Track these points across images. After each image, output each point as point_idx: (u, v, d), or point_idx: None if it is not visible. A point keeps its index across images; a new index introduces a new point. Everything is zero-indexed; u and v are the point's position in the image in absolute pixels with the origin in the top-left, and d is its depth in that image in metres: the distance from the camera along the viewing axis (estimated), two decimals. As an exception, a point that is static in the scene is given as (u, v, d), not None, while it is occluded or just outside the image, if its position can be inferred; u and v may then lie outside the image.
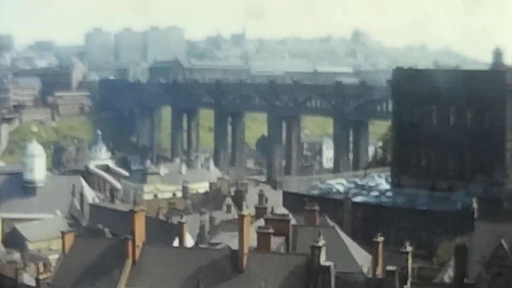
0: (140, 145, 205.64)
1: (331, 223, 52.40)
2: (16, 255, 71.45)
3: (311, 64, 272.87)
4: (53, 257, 64.05)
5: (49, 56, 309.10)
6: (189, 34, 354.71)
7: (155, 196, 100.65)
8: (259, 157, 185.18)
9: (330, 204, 66.65)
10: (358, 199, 72.39)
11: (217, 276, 39.66)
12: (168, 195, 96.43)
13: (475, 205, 54.92)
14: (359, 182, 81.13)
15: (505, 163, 70.35)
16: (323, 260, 38.43)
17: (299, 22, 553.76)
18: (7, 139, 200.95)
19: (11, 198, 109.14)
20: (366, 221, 65.80)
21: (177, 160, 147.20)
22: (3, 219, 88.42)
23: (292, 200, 69.45)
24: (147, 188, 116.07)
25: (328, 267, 38.00)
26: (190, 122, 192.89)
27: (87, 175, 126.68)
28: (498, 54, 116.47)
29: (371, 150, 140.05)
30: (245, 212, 40.62)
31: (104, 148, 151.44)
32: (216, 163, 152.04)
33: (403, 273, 39.24)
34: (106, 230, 72.92)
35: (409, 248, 40.19)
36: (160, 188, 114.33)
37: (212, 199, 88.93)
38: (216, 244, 46.40)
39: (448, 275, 44.93)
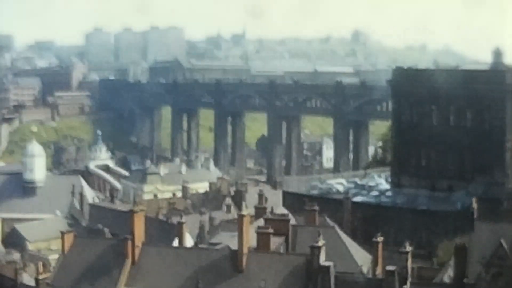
0: (140, 145, 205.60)
1: (330, 223, 52.32)
2: (16, 255, 71.52)
3: (311, 64, 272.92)
4: (53, 257, 64.03)
5: (49, 56, 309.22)
6: (189, 34, 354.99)
7: (155, 196, 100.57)
8: (259, 157, 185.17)
9: (330, 204, 66.55)
10: (358, 199, 72.31)
11: (216, 276, 39.62)
12: (168, 195, 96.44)
13: (474, 205, 54.85)
14: (359, 182, 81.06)
15: (505, 163, 70.30)
16: (322, 260, 38.39)
17: (299, 22, 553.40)
18: (7, 139, 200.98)
19: (11, 198, 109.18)
20: (366, 221, 65.72)
21: (177, 160, 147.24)
22: (3, 219, 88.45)
23: (292, 200, 69.40)
24: (147, 188, 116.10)
25: (327, 267, 37.96)
26: (190, 122, 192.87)
27: (87, 175, 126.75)
28: (498, 54, 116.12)
29: (371, 150, 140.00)
30: (244, 212, 40.57)
31: (104, 148, 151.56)
32: (216, 163, 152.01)
33: (403, 273, 39.18)
34: (106, 230, 72.91)
35: (408, 248, 40.14)
36: (160, 188, 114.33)
37: (212, 199, 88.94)
38: (216, 244, 46.41)
39: (448, 275, 44.90)
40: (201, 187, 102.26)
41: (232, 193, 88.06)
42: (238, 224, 40.50)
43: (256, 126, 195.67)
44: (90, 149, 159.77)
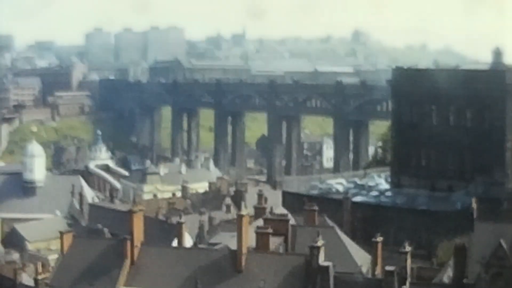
0: (140, 145, 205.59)
1: (330, 223, 52.23)
2: (15, 255, 71.48)
3: (311, 64, 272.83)
4: (52, 257, 63.87)
5: (49, 56, 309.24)
6: (189, 34, 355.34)
7: (155, 196, 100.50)
8: (259, 157, 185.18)
9: (330, 204, 66.43)
10: (358, 199, 72.20)
11: (215, 276, 39.55)
12: (168, 195, 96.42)
13: (474, 205, 54.79)
14: (358, 182, 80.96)
15: (505, 163, 70.22)
16: (321, 260, 38.31)
17: (299, 22, 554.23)
18: (7, 139, 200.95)
19: (11, 198, 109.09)
20: (365, 221, 65.64)
21: (177, 160, 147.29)
22: (3, 219, 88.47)
23: (292, 200, 69.33)
24: (146, 188, 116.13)
25: (326, 267, 37.88)
26: (190, 122, 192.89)
27: (87, 175, 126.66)
28: (498, 54, 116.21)
29: (371, 150, 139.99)
30: (243, 212, 40.48)
31: (104, 148, 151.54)
32: (216, 163, 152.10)
33: (402, 273, 39.08)
34: (106, 230, 72.83)
35: (408, 248, 40.04)
36: (159, 188, 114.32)
37: (211, 199, 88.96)
38: (215, 244, 46.34)
39: (447, 275, 44.82)
40: (201, 187, 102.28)
41: (232, 193, 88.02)
42: (237, 224, 40.41)
43: (256, 126, 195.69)
44: (90, 149, 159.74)
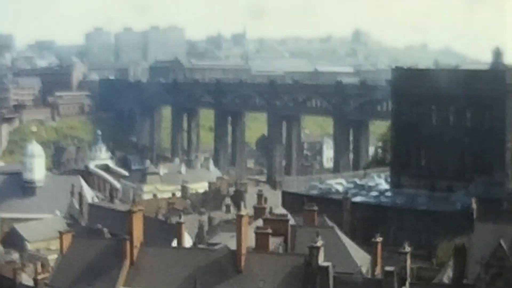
0: (140, 145, 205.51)
1: (330, 223, 52.20)
2: (15, 255, 71.36)
3: (311, 63, 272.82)
4: (52, 257, 63.72)
5: (49, 55, 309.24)
6: (189, 34, 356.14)
7: (155, 196, 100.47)
8: (259, 157, 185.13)
9: (329, 204, 66.41)
10: (358, 199, 72.12)
11: (215, 276, 39.54)
12: (168, 195, 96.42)
13: (474, 206, 54.75)
14: (358, 182, 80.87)
15: (505, 163, 70.16)
16: (321, 261, 38.29)
17: (299, 22, 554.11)
18: (7, 139, 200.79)
19: (11, 198, 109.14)
20: (365, 221, 65.62)
21: (177, 160, 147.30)
22: (2, 219, 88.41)
23: (291, 200, 69.28)
24: (146, 188, 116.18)
25: (326, 268, 37.85)
26: (190, 122, 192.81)
27: (87, 175, 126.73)
28: (498, 54, 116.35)
29: (371, 150, 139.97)
30: (243, 212, 40.44)
31: (104, 148, 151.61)
32: (216, 163, 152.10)
33: (402, 273, 39.04)
34: (105, 230, 72.72)
35: (408, 249, 39.99)
36: (159, 188, 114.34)
37: (211, 199, 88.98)
38: (215, 244, 46.26)
39: (447, 275, 44.75)
40: (201, 187, 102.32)
41: (232, 193, 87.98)
42: (236, 224, 40.41)
43: (256, 126, 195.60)
44: (90, 149, 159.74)
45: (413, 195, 71.91)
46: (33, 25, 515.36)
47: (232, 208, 79.20)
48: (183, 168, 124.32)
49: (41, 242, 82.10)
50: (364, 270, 43.70)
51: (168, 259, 41.39)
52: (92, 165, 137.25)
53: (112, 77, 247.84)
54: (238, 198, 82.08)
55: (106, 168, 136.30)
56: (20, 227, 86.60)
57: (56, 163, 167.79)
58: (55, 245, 65.45)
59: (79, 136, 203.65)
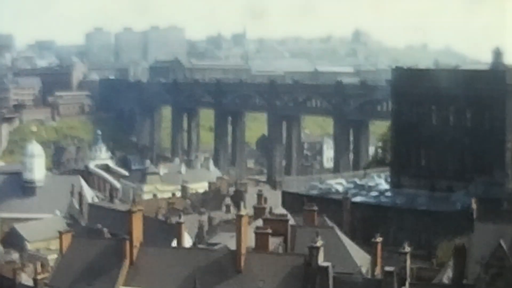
0: (140, 145, 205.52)
1: (330, 223, 52.16)
2: (15, 255, 71.35)
3: (311, 63, 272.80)
4: (52, 257, 63.71)
5: (50, 55, 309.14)
6: (189, 34, 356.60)
7: (155, 196, 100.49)
8: (259, 157, 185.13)
9: (329, 204, 66.35)
10: (358, 199, 72.10)
11: (215, 276, 39.49)
12: (168, 195, 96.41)
13: (474, 206, 54.72)
14: (358, 182, 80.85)
15: (505, 163, 70.15)
16: (321, 261, 38.25)
17: (299, 22, 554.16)
18: (7, 138, 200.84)
19: (11, 197, 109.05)
20: (365, 221, 65.59)
21: (177, 160, 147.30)
22: (2, 219, 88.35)
23: (291, 200, 69.26)
24: (146, 188, 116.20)
25: (326, 268, 37.81)
26: (190, 121, 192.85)
27: (87, 175, 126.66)
28: (498, 54, 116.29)
29: (371, 150, 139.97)
30: (242, 212, 40.40)
31: (104, 148, 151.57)
32: (216, 163, 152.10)
33: (402, 273, 39.02)
34: (105, 230, 72.68)
35: (408, 249, 39.97)
36: (159, 188, 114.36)
37: (211, 199, 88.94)
38: (214, 244, 46.26)
39: (447, 275, 44.72)
40: (201, 187, 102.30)
41: (232, 193, 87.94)
42: (236, 225, 40.36)
43: (256, 126, 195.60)
44: (90, 149, 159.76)
45: (413, 195, 71.89)
46: (33, 25, 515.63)
47: (232, 208, 79.18)
48: (183, 168, 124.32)
49: (41, 242, 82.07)
50: (364, 270, 43.67)
51: (167, 259, 41.36)
52: (92, 165, 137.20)
53: (112, 77, 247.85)
54: (238, 198, 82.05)
55: (106, 168, 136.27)
56: (20, 227, 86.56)
57: (56, 163, 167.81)
58: (55, 245, 65.42)
59: (79, 136, 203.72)
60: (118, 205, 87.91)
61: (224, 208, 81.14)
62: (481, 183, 68.63)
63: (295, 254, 41.43)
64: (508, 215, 51.22)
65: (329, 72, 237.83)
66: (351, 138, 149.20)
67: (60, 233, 43.59)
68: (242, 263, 39.45)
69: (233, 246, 40.60)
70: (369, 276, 42.58)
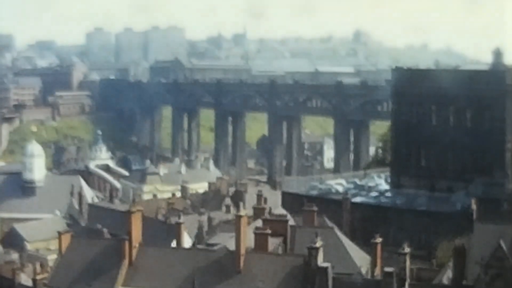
0: (140, 145, 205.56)
1: (330, 223, 52.10)
2: (15, 255, 71.24)
3: (312, 64, 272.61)
4: (52, 257, 63.74)
5: (50, 55, 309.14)
6: (190, 34, 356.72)
7: (155, 196, 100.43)
8: (259, 157, 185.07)
9: (329, 204, 66.33)
10: (358, 199, 72.10)
11: (214, 277, 39.45)
12: (168, 195, 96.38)
13: (474, 206, 54.70)
14: (358, 182, 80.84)
15: (505, 163, 70.14)
16: (320, 261, 38.18)
17: (300, 22, 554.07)
18: (7, 138, 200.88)
19: (10, 197, 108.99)
20: (365, 221, 65.55)
21: (177, 160, 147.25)
22: (2, 219, 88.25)
23: (291, 201, 69.20)
24: (146, 188, 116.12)
25: (325, 269, 37.74)
26: (191, 122, 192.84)
27: (87, 175, 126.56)
28: (498, 54, 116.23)
29: (372, 150, 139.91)
30: (242, 212, 40.35)
31: (104, 148, 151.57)
32: (217, 163, 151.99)
33: (402, 274, 38.96)
34: (105, 230, 72.61)
35: (407, 249, 39.92)
36: (159, 188, 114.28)
37: (211, 199, 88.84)
38: (214, 244, 46.15)
39: (447, 276, 44.65)
40: (201, 187, 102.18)
41: (232, 194, 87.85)
42: (235, 225, 40.31)
43: (256, 126, 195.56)
44: (91, 149, 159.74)
45: (413, 196, 71.90)
46: (33, 25, 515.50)
47: (232, 209, 79.11)
48: (183, 168, 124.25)
49: (40, 242, 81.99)
50: (363, 270, 43.60)
51: (167, 260, 41.32)
52: (92, 165, 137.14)
53: (112, 77, 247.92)
54: (238, 199, 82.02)
55: (106, 168, 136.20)
56: (19, 227, 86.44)
57: (56, 163, 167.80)
58: (54, 245, 65.30)
59: (79, 136, 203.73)
60: (118, 205, 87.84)
61: (224, 209, 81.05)
62: (481, 183, 68.60)
63: (294, 255, 41.38)
64: (508, 216, 51.23)
65: (329, 72, 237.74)
66: (352, 138, 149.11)
67: (60, 234, 43.54)
68: (242, 264, 39.39)
69: (232, 247, 40.53)
70: (368, 277, 42.51)
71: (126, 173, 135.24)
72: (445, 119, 74.59)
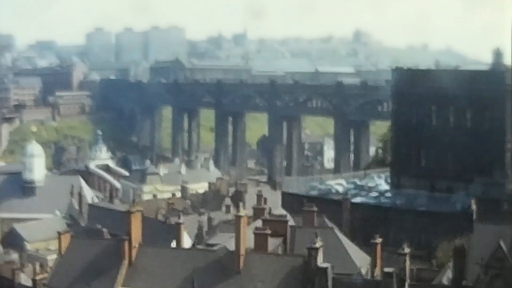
0: (140, 145, 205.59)
1: (329, 224, 52.06)
2: (14, 255, 71.26)
3: (312, 64, 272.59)
4: (51, 258, 63.67)
5: (50, 55, 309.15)
6: (190, 34, 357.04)
7: (155, 196, 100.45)
8: (260, 157, 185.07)
9: (329, 205, 66.28)
10: (357, 199, 72.09)
11: (214, 277, 39.42)
12: (168, 195, 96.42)
13: (474, 206, 54.67)
14: (358, 182, 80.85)
15: (505, 163, 70.07)
16: (320, 262, 38.15)
17: (300, 22, 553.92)
18: (7, 138, 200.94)
19: (10, 198, 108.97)
20: (365, 222, 65.49)
21: (177, 160, 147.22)
22: (2, 219, 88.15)
23: (291, 201, 69.15)
24: (146, 188, 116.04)
25: (325, 269, 37.70)
26: (191, 122, 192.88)
27: (87, 175, 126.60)
28: (498, 54, 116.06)
29: (372, 151, 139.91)
30: (242, 213, 40.30)
31: (104, 148, 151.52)
32: (217, 163, 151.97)
33: (401, 274, 38.94)
34: (105, 230, 72.61)
35: (407, 250, 39.90)
36: (159, 188, 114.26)
37: (211, 199, 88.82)
38: (214, 245, 46.10)
39: (447, 276, 44.64)
40: (201, 187, 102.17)
41: (231, 194, 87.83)
42: (235, 225, 40.26)
43: (256, 126, 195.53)
44: (91, 149, 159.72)
45: (413, 196, 71.88)
46: (33, 25, 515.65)
47: (232, 209, 79.07)
48: (183, 168, 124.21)
49: (40, 242, 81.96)
50: (363, 271, 43.56)
51: (166, 260, 41.28)
52: (92, 165, 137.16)
53: (112, 77, 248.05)
54: (238, 199, 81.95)
55: (106, 168, 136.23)
56: (19, 227, 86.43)
57: (56, 163, 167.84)
58: (54, 245, 65.26)
59: (79, 136, 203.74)
60: (118, 206, 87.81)
61: (224, 209, 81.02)
62: (481, 183, 68.58)
63: (294, 255, 41.33)
64: (508, 216, 51.10)
65: (329, 72, 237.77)
66: (352, 139, 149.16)
67: (59, 234, 43.48)
68: (241, 264, 39.36)
69: (232, 247, 40.49)
70: (368, 277, 42.47)
71: (126, 173, 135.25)
72: (445, 119, 74.60)
